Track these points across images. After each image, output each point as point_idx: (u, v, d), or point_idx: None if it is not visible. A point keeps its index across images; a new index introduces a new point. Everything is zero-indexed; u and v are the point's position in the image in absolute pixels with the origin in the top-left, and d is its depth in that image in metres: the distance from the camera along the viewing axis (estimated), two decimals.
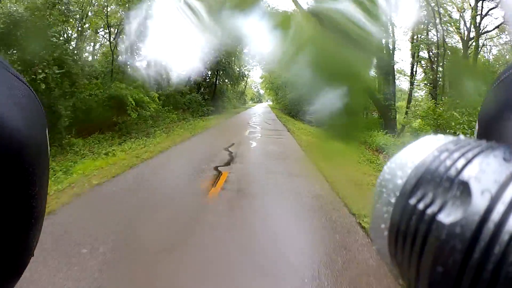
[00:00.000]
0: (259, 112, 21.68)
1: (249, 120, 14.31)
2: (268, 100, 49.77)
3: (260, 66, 29.73)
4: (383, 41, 9.10)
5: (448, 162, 0.13)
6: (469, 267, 0.11)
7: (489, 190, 0.11)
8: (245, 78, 24.81)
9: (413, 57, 10.48)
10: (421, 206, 0.13)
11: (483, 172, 0.12)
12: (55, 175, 4.29)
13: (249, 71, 32.51)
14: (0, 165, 0.17)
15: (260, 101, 57.71)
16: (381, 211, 0.15)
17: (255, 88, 57.22)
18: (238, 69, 20.86)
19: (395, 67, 10.34)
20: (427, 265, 0.12)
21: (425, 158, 0.14)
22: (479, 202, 0.11)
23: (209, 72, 19.20)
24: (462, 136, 0.15)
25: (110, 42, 9.85)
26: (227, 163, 4.98)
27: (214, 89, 19.89)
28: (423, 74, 10.46)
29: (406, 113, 10.40)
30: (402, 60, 14.68)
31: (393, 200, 0.15)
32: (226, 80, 21.88)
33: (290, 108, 22.49)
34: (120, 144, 6.94)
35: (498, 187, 0.11)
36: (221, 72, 20.68)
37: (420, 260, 0.13)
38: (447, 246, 0.11)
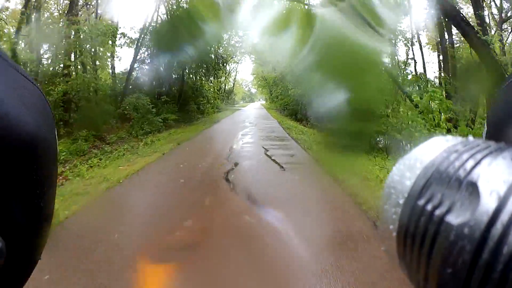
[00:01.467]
0: (252, 117, 15.01)
1: (232, 142, 6.67)
2: (261, 99, 45.74)
3: (250, 57, 23.09)
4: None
5: (457, 163, 0.13)
6: (478, 268, 0.11)
7: (498, 191, 0.11)
8: (225, 65, 18.02)
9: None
10: (429, 207, 0.13)
11: (492, 173, 0.12)
12: None
13: (237, 62, 25.89)
14: (10, 165, 0.17)
15: (252, 100, 53.17)
16: (390, 212, 0.15)
17: (246, 87, 52.21)
18: (215, 55, 14.10)
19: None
20: (435, 266, 0.12)
21: (433, 159, 0.14)
22: (488, 203, 0.11)
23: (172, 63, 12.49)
24: (471, 137, 0.15)
25: None
26: None
27: (181, 86, 13.11)
28: None
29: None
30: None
31: (401, 201, 0.15)
32: (204, 73, 15.21)
33: (292, 109, 16.19)
34: None
35: (507, 188, 0.11)
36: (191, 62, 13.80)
37: (429, 261, 0.12)
38: (456, 247, 0.11)
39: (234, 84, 35.60)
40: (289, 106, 16.59)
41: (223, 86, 27.91)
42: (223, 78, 25.99)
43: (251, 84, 45.51)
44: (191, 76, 13.61)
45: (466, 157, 0.13)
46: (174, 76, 12.49)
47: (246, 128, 9.47)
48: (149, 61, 13.03)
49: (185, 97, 13.13)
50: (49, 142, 0.21)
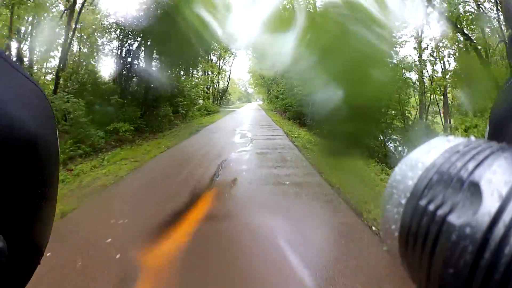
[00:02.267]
0: (247, 124, 11.19)
1: (191, 205, 2.58)
2: (258, 99, 43.16)
3: (246, 51, 19.39)
4: None
5: (459, 164, 0.13)
6: (480, 269, 0.10)
7: (500, 191, 0.11)
8: (210, 51, 14.15)
9: None
10: (431, 207, 0.13)
11: (494, 173, 0.12)
12: None
13: (231, 54, 22.19)
14: (11, 166, 0.17)
15: (248, 100, 50.20)
16: (392, 212, 0.15)
17: (242, 87, 48.93)
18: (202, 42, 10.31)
19: None
20: (437, 267, 0.12)
21: (435, 159, 0.14)
22: (490, 203, 0.11)
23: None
24: (473, 138, 0.15)
25: None
26: None
27: (148, 82, 9.46)
28: None
29: None
30: None
31: (403, 201, 0.14)
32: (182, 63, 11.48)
33: (296, 111, 12.71)
34: None
35: (508, 189, 0.11)
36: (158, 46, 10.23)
37: (431, 261, 0.12)
38: (458, 247, 0.11)
39: (229, 83, 31.88)
40: (293, 107, 13.16)
41: (216, 84, 24.11)
42: (214, 74, 22.15)
43: (247, 83, 42.35)
44: (163, 67, 9.86)
45: (468, 157, 0.13)
46: (138, 67, 8.83)
47: (235, 149, 5.76)
48: (104, 48, 9.06)
49: (155, 97, 9.41)
50: (50, 141, 0.21)
